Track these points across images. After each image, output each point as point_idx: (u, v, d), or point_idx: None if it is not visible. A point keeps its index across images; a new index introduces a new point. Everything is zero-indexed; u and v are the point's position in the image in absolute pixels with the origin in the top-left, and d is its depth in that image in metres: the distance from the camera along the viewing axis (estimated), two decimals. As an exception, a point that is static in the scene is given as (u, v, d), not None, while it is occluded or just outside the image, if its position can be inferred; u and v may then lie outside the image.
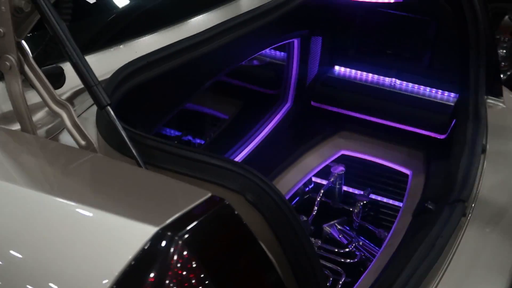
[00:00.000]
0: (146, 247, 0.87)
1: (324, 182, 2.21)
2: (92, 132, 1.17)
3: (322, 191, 2.15)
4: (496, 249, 1.62)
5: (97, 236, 0.89)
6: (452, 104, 2.18)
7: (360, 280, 1.70)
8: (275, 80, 2.29)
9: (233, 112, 2.32)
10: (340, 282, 1.86)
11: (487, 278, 1.53)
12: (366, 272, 1.72)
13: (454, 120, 2.12)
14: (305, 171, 2.16)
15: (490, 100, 2.18)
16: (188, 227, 0.90)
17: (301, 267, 1.08)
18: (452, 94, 2.21)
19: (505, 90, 2.30)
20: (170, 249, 0.87)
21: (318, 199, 2.13)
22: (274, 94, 2.31)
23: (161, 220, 0.89)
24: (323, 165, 2.21)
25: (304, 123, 2.31)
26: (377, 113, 2.25)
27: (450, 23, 2.15)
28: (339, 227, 2.10)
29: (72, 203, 0.91)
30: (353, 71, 2.35)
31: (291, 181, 2.11)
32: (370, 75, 2.32)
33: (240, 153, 2.11)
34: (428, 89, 2.24)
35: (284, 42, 2.11)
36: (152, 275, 0.87)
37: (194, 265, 0.89)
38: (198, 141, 2.34)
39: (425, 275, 1.43)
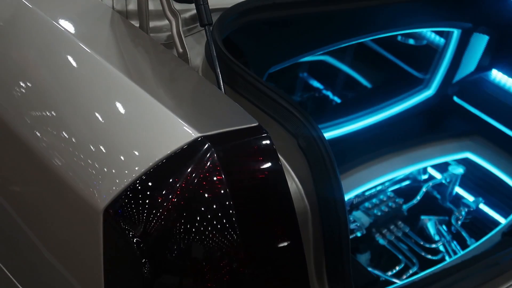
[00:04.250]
0: (184, 148, 1.01)
1: (439, 176, 2.20)
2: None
3: (431, 183, 2.15)
4: None
5: (151, 124, 1.05)
6: None
7: (421, 273, 1.72)
8: (425, 64, 2.28)
9: (375, 81, 2.37)
10: (410, 272, 1.89)
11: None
12: (430, 269, 1.73)
13: None
14: (421, 159, 2.16)
15: None
16: (226, 144, 1.02)
17: (330, 222, 1.16)
18: None
19: None
20: (204, 158, 1.00)
21: (424, 189, 2.14)
22: (419, 78, 2.30)
23: (205, 129, 1.02)
24: (442, 160, 2.20)
25: (439, 115, 2.29)
26: (519, 129, 2.17)
27: None
28: (438, 225, 2.10)
29: (144, 92, 1.08)
30: (510, 80, 2.26)
31: (403, 162, 2.13)
32: (527, 89, 2.23)
33: (365, 120, 2.16)
34: None
35: (441, 28, 2.10)
36: (181, 174, 1.00)
37: (220, 180, 1.01)
38: (336, 99, 2.42)
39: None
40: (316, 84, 2.44)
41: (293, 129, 1.14)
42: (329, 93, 2.42)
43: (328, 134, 2.08)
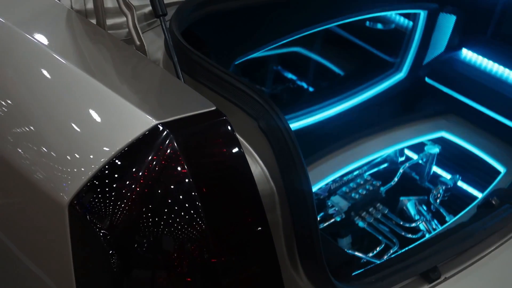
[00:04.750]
0: (143, 136, 1.02)
1: (415, 157, 2.22)
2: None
3: (407, 164, 2.17)
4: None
5: (109, 116, 1.07)
6: None
7: (399, 251, 1.74)
8: (395, 48, 2.30)
9: (347, 69, 2.39)
10: (391, 251, 1.90)
11: None
12: (408, 247, 1.75)
13: None
14: (397, 141, 2.18)
15: None
16: (184, 129, 1.04)
17: (296, 201, 1.18)
18: None
19: None
20: (163, 144, 1.02)
21: (401, 171, 2.15)
22: (390, 61, 2.33)
23: (163, 116, 1.04)
24: (418, 141, 2.22)
25: (412, 97, 2.31)
26: (491, 105, 2.19)
27: None
28: (417, 205, 2.11)
29: (102, 85, 1.09)
30: (480, 57, 2.29)
31: (379, 145, 2.15)
32: (496, 65, 2.25)
33: (339, 106, 2.18)
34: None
35: (407, 10, 2.12)
36: (141, 163, 1.01)
37: (181, 165, 1.02)
38: (311, 89, 2.44)
39: (441, 260, 1.45)
40: (290, 75, 2.46)
41: (253, 112, 1.16)
42: (304, 84, 2.44)
43: (304, 122, 2.11)
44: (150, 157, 1.02)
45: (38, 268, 1.19)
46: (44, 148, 1.09)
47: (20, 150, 1.12)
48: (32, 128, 1.12)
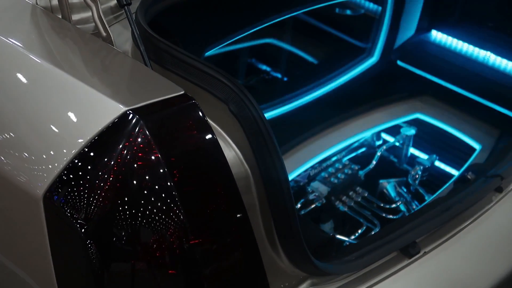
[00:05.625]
0: (113, 123, 1.02)
1: (392, 139, 2.24)
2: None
3: (384, 147, 2.19)
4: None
5: (81, 105, 1.07)
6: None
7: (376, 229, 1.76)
8: (366, 33, 2.32)
9: (320, 57, 2.40)
10: (372, 233, 1.91)
11: (489, 260, 1.53)
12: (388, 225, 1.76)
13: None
14: (373, 124, 2.20)
15: None
16: (154, 114, 1.04)
17: (271, 181, 1.18)
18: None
19: None
20: (134, 130, 1.02)
21: (379, 154, 2.17)
22: (362, 47, 2.35)
23: (132, 103, 1.04)
24: (394, 123, 2.24)
25: (385, 80, 2.33)
26: (463, 84, 2.22)
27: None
28: (397, 187, 2.13)
29: (69, 76, 1.09)
30: (450, 38, 2.32)
31: (355, 129, 2.17)
32: (466, 45, 2.28)
33: (314, 93, 2.20)
34: (521, 69, 2.17)
35: (375, -5, 2.14)
36: (113, 151, 1.01)
37: (153, 150, 1.02)
38: (285, 79, 2.46)
39: (420, 235, 1.46)
40: (264, 67, 2.47)
41: (223, 96, 1.16)
42: (278, 74, 2.46)
43: (280, 110, 2.13)
44: (121, 144, 1.02)
45: (16, 266, 1.18)
46: (16, 143, 1.08)
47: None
48: (2, 123, 1.12)
